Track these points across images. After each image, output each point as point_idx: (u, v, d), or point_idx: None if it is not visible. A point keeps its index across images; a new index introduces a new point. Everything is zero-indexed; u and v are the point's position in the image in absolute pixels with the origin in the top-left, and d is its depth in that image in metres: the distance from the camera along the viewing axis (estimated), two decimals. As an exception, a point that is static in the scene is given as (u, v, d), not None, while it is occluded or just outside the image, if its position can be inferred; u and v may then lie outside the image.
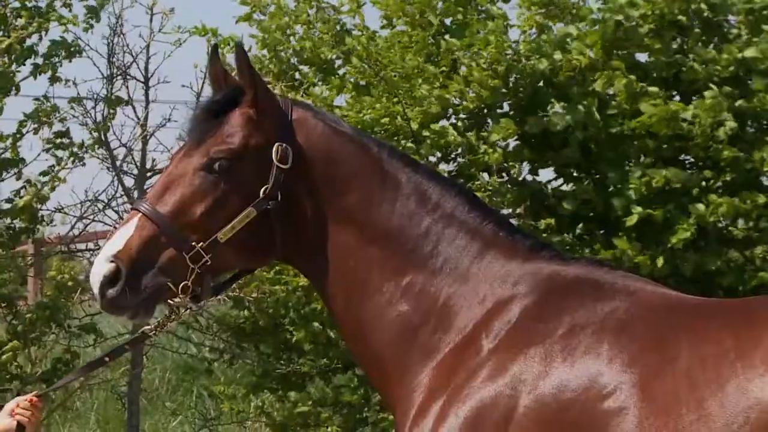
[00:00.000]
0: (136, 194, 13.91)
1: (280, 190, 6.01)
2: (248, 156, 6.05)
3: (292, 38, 14.03)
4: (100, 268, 5.90)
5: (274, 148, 5.98)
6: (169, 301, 6.05)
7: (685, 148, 13.21)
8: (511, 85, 13.21)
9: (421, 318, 5.97)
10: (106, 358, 7.23)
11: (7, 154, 12.78)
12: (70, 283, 13.83)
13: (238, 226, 5.95)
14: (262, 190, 5.96)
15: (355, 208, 6.12)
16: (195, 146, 6.12)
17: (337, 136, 6.23)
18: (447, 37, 13.55)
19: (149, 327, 6.25)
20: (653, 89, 13.00)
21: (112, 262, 5.86)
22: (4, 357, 12.65)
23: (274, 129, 6.07)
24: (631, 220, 12.67)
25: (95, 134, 13.60)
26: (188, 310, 6.41)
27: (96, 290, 5.95)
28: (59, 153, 13.11)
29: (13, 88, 12.65)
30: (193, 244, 5.91)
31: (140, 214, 5.98)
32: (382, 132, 12.94)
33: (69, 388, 12.51)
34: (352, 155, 6.17)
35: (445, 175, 12.77)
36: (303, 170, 6.10)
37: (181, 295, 5.97)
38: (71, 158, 13.14)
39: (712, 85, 13.04)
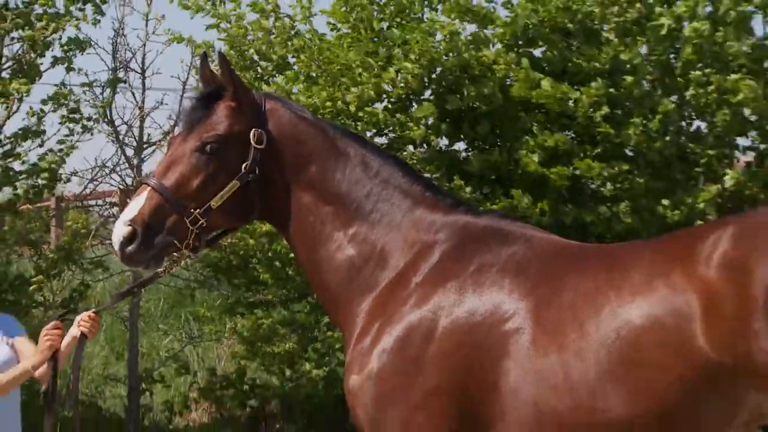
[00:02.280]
0: (135, 162, 14.23)
1: (257, 165, 6.24)
2: (232, 139, 6.23)
3: (253, 41, 14.07)
4: (120, 230, 6.13)
5: (252, 133, 6.21)
6: (174, 253, 6.29)
7: (569, 125, 13.54)
8: (434, 76, 13.38)
9: (363, 260, 6.23)
10: (134, 289, 7.76)
11: (34, 128, 12.89)
12: (83, 231, 13.83)
13: (226, 195, 6.19)
14: (243, 166, 6.20)
15: (314, 177, 6.33)
16: (189, 133, 6.32)
17: (302, 121, 6.43)
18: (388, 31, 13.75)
19: (161, 269, 6.30)
20: (546, 80, 13.25)
21: (129, 225, 6.08)
22: (31, 288, 12.81)
23: (251, 117, 6.28)
24: (532, 167, 12.91)
25: (101, 109, 13.78)
26: (189, 258, 6.41)
27: (117, 248, 6.18)
28: (71, 126, 13.27)
29: (37, 76, 12.72)
30: (192, 210, 6.14)
31: (149, 188, 6.21)
32: (327, 113, 13.03)
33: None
34: (313, 136, 6.38)
35: (379, 146, 13.28)
36: (275, 149, 6.31)
37: (184, 250, 6.22)
38: (82, 130, 13.32)
39: (598, 79, 13.31)
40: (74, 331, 6.77)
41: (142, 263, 6.20)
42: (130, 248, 6.08)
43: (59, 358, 6.91)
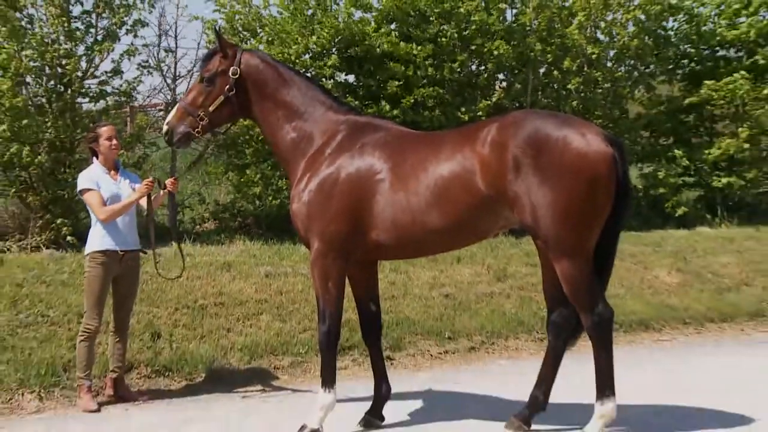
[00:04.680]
0: (172, 86, 14.03)
1: (234, 87, 6.24)
2: (219, 74, 6.26)
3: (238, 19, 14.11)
4: (164, 127, 6.34)
5: (231, 69, 6.24)
6: (194, 135, 6.33)
7: (412, 68, 13.95)
8: (337, 41, 13.80)
9: (299, 140, 6.19)
10: (192, 167, 7.78)
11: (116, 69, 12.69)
12: (144, 125, 14.22)
13: (217, 104, 6.24)
14: (226, 88, 6.23)
15: (271, 93, 6.29)
16: (200, 73, 6.41)
17: (263, 62, 6.37)
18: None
19: (201, 154, 6.94)
20: (401, 43, 13.92)
21: (166, 125, 6.31)
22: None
23: (232, 62, 6.26)
24: (392, 88, 13.68)
25: (156, 64, 13.71)
26: (211, 136, 6.76)
27: (164, 137, 6.42)
28: (141, 70, 13.18)
29: (117, 40, 12.67)
30: (200, 113, 6.22)
31: (178, 105, 6.37)
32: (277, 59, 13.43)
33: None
34: (269, 70, 6.33)
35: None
36: (246, 78, 6.27)
37: (196, 135, 6.32)
38: (148, 72, 13.35)
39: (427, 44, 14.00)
40: (164, 189, 7.09)
41: (176, 144, 6.36)
42: (168, 137, 6.30)
43: (158, 199, 7.22)
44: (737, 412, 6.54)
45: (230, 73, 6.25)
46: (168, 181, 7.07)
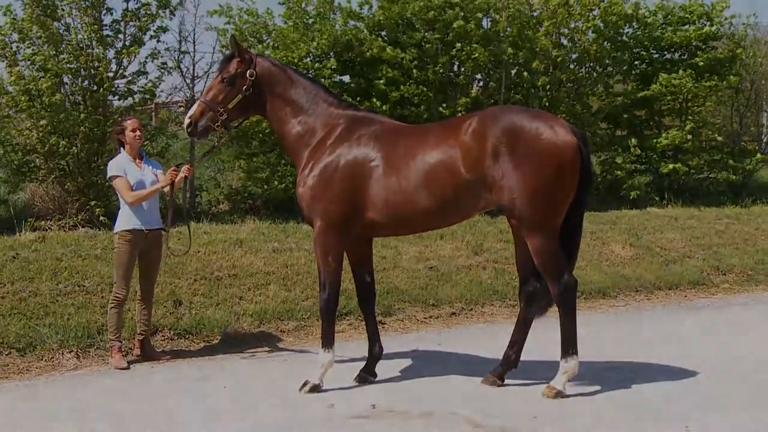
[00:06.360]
0: (191, 85, 13.94)
1: (250, 87, 6.11)
2: (237, 75, 6.10)
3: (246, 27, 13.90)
4: (186, 120, 6.15)
5: (248, 72, 6.09)
6: (213, 128, 6.14)
7: (399, 69, 13.80)
8: (334, 46, 13.65)
9: (304, 132, 6.06)
10: (207, 155, 8.05)
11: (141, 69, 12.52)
12: (166, 119, 13.93)
13: (236, 102, 6.09)
14: (244, 88, 6.09)
15: (280, 92, 6.15)
16: (219, 74, 6.21)
17: (274, 66, 6.25)
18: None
19: (218, 144, 6.58)
20: (388, 48, 13.75)
21: (188, 118, 6.12)
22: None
23: (248, 65, 6.12)
24: (380, 87, 13.56)
25: (176, 64, 13.67)
26: (225, 130, 6.25)
27: (185, 129, 6.21)
28: (162, 71, 12.82)
29: (142, 44, 12.42)
30: (219, 109, 6.06)
31: (199, 101, 6.20)
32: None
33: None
34: (279, 73, 6.21)
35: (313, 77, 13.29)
36: (260, 79, 6.12)
37: (216, 129, 6.12)
38: (168, 73, 13.05)
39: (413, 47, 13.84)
40: (181, 174, 6.87)
41: (196, 136, 6.19)
42: (190, 129, 6.12)
43: (175, 184, 6.95)
44: (681, 366, 6.55)
45: (248, 75, 6.12)
46: (184, 168, 6.94)
